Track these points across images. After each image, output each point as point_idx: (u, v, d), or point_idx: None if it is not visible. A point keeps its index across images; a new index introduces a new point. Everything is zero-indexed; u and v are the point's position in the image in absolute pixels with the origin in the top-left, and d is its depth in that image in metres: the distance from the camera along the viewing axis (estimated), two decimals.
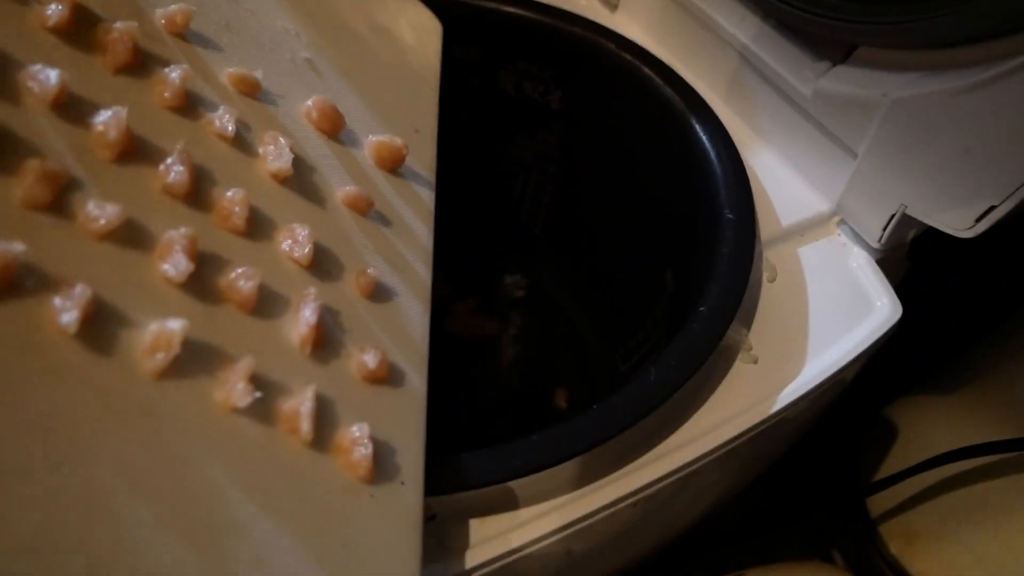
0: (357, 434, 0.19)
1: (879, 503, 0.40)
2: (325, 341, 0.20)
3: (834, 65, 0.30)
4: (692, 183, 0.33)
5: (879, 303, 0.29)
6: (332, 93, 0.26)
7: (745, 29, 0.33)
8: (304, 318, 0.20)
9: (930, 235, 0.30)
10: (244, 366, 0.18)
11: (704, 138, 0.32)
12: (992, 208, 0.25)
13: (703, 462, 0.25)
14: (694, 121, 0.33)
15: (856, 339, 0.28)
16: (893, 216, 0.29)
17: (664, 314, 0.36)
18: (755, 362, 0.28)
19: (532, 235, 0.45)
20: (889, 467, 0.40)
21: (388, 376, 0.21)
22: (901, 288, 0.33)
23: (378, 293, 0.22)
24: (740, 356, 0.28)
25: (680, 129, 0.33)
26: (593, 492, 0.24)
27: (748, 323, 0.29)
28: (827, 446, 0.43)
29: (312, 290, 0.20)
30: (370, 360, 0.20)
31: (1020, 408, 0.34)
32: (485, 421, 0.41)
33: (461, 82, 0.41)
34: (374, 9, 0.30)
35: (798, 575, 0.38)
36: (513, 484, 0.22)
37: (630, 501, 0.24)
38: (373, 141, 0.25)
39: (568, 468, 0.23)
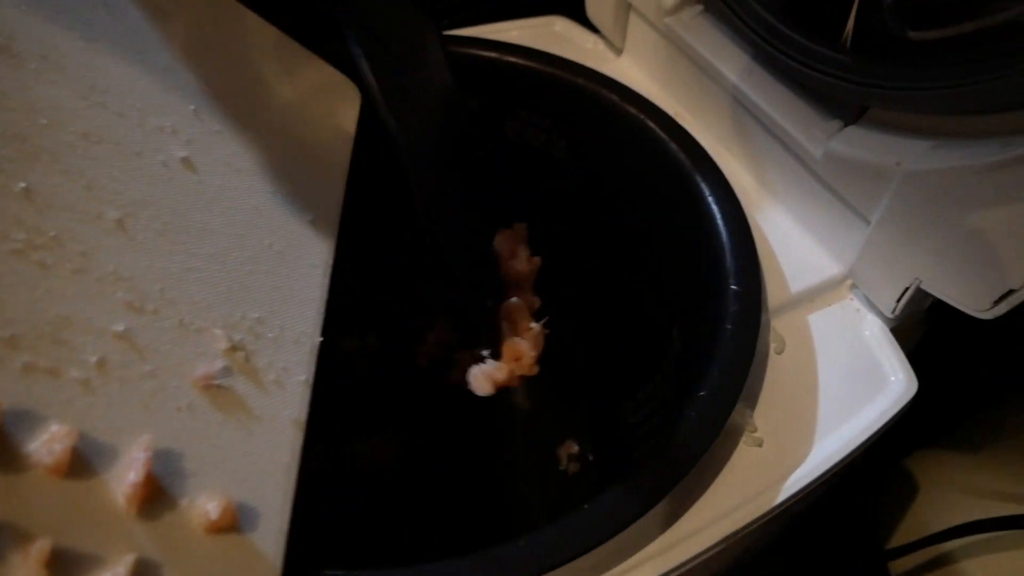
0: None
1: (901, 564, 0.38)
2: (158, 494, 0.18)
3: (845, 125, 0.29)
4: (697, 245, 0.32)
5: (893, 377, 0.28)
6: (213, 193, 0.23)
7: (752, 83, 0.32)
8: (129, 475, 0.17)
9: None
10: (38, 549, 0.15)
11: (710, 199, 0.31)
12: (1012, 292, 0.23)
13: (703, 557, 0.24)
14: (700, 180, 0.32)
15: (869, 418, 0.27)
16: (907, 289, 0.27)
17: (672, 370, 0.35)
18: (760, 445, 0.26)
19: (538, 283, 0.44)
20: (910, 524, 0.39)
21: (235, 523, 0.19)
22: (921, 346, 0.32)
23: (232, 417, 0.20)
24: (744, 439, 0.26)
25: (685, 187, 0.32)
26: None
27: (753, 401, 0.27)
28: (845, 500, 0.41)
29: (145, 437, 0.18)
30: (212, 509, 0.18)
31: None
32: (490, 475, 0.40)
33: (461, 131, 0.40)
34: (279, 79, 0.28)
35: None
36: None
37: None
38: None
39: (561, 572, 0.22)
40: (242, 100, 0.26)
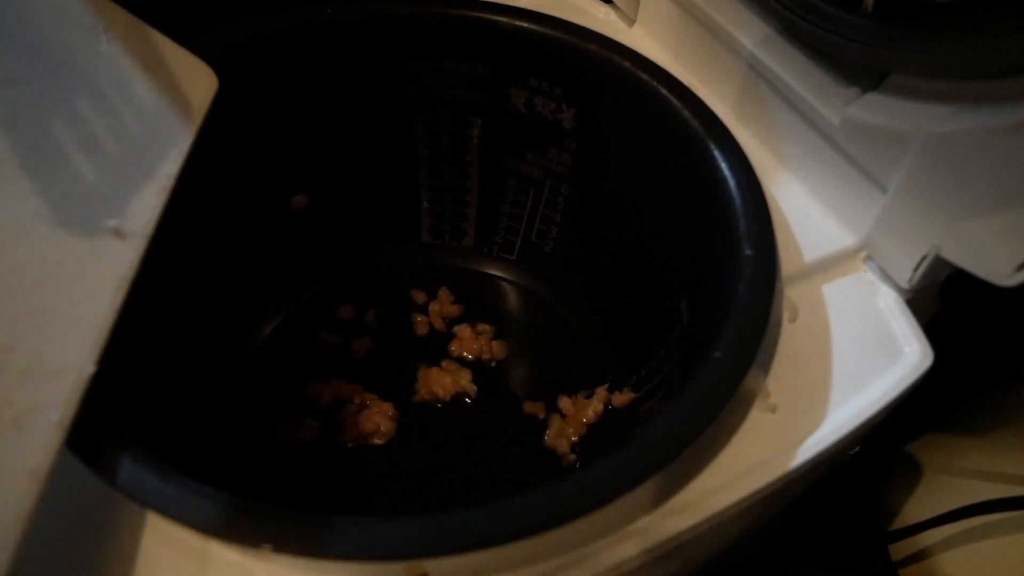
0: None
1: (902, 548, 0.38)
2: None
3: (864, 92, 0.28)
4: (709, 213, 0.31)
5: (908, 348, 0.28)
6: None
7: (769, 50, 0.31)
8: None
9: (964, 273, 0.28)
10: None
11: (723, 166, 0.31)
12: None
13: (713, 523, 0.24)
14: (713, 147, 0.31)
15: (883, 387, 0.27)
16: (925, 257, 0.27)
17: (678, 345, 0.35)
18: (773, 411, 0.26)
19: (544, 255, 0.44)
20: (913, 508, 0.39)
21: None
22: (931, 324, 0.31)
23: None
24: (756, 404, 0.26)
25: (698, 155, 0.32)
26: (596, 555, 0.22)
27: (766, 368, 0.27)
28: (848, 483, 0.41)
29: None
30: None
31: None
32: (484, 447, 0.39)
33: (469, 97, 0.39)
34: (115, 60, 0.24)
35: None
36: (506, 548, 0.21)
37: (635, 564, 0.23)
38: None
39: (568, 532, 0.21)
40: (44, 84, 0.22)
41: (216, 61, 0.34)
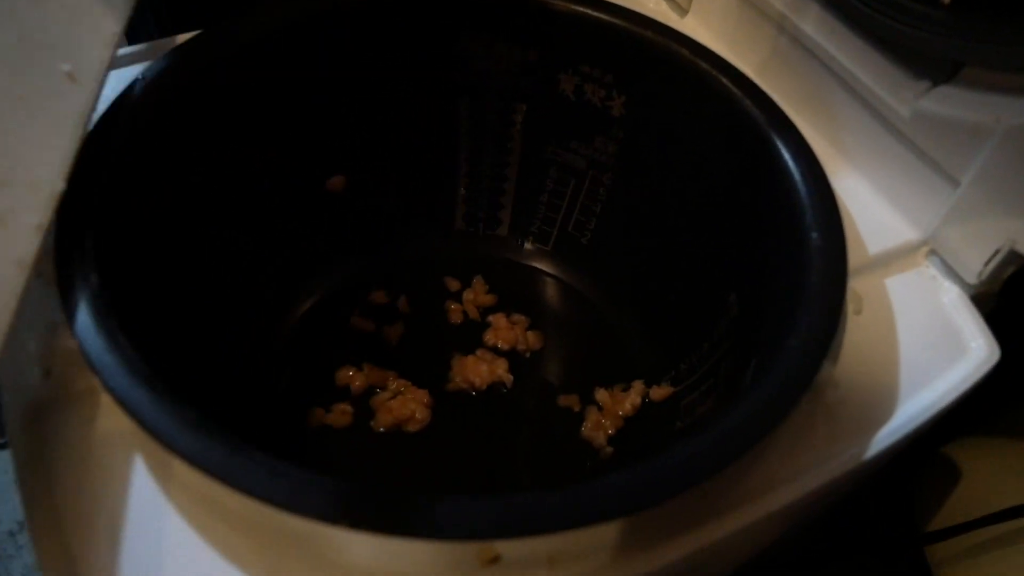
0: None
1: (940, 550, 0.37)
2: None
3: (935, 85, 0.28)
4: (770, 203, 0.31)
5: (974, 344, 0.27)
6: None
7: (835, 41, 0.31)
8: None
9: None
10: None
11: (786, 156, 0.30)
12: None
13: (781, 514, 0.23)
14: (775, 137, 0.31)
15: (950, 382, 0.26)
16: (998, 252, 0.27)
17: (725, 338, 0.34)
18: (843, 401, 0.25)
19: (580, 246, 0.43)
20: (950, 510, 0.38)
21: None
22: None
23: None
24: (826, 395, 0.26)
25: (758, 145, 0.31)
26: (659, 545, 0.21)
27: (834, 359, 0.27)
28: (883, 482, 0.41)
29: None
30: None
31: None
32: (520, 437, 0.39)
33: (517, 83, 0.39)
34: None
35: None
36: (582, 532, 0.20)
37: (708, 553, 0.22)
38: None
39: (639, 519, 0.21)
40: None
41: (265, 36, 0.34)
